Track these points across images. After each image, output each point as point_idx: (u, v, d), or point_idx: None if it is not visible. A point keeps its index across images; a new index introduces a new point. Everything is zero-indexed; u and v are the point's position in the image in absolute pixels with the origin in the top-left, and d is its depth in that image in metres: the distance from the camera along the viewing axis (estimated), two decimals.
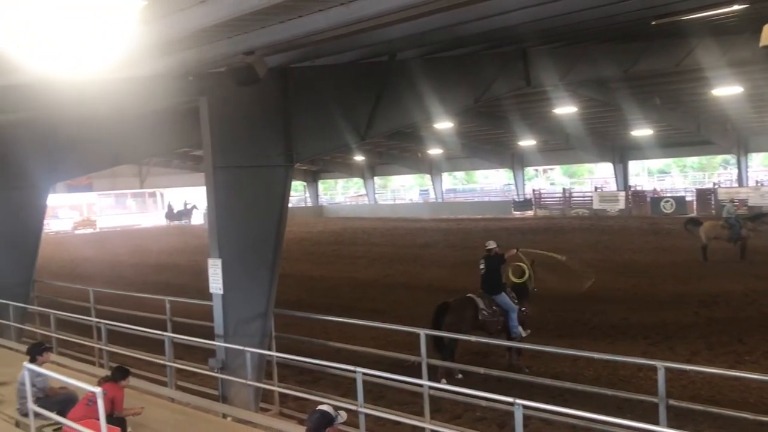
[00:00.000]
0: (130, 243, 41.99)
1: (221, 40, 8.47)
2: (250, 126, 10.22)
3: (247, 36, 8.15)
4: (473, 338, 10.77)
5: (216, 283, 10.09)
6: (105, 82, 8.98)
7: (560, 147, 44.05)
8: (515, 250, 13.01)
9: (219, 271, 9.99)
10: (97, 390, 5.80)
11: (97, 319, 12.68)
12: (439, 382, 10.90)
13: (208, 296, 10.57)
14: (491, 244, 12.89)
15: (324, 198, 67.55)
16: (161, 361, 11.27)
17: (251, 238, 10.28)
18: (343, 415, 5.24)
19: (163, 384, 11.05)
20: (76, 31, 4.65)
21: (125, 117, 14.28)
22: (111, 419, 6.88)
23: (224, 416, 9.56)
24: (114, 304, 14.65)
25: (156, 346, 11.94)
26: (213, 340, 10.47)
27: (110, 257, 35.13)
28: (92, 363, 12.93)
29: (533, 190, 49.81)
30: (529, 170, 53.44)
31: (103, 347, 12.22)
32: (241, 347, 9.80)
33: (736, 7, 12.68)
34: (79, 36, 4.68)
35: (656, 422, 6.91)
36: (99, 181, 50.69)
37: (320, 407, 5.26)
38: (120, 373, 8.19)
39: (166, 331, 11.43)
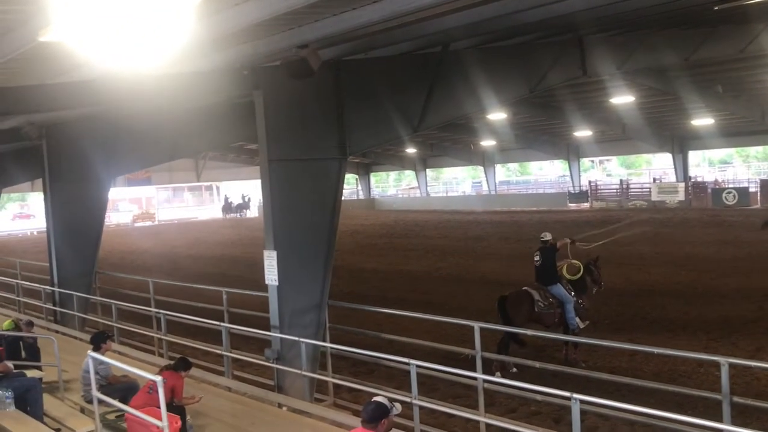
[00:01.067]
0: (187, 235, 42.91)
1: (275, 34, 8.56)
2: (303, 119, 10.29)
3: (301, 29, 8.22)
4: (529, 332, 10.63)
5: (271, 274, 10.21)
6: (162, 77, 9.20)
7: (617, 137, 43.06)
8: (568, 240, 12.87)
9: (274, 262, 10.11)
10: (158, 378, 5.93)
11: (157, 310, 12.99)
12: (493, 375, 10.84)
13: (264, 287, 10.71)
14: (547, 235, 12.76)
15: (376, 190, 67.71)
16: (219, 351, 11.49)
17: (305, 230, 10.37)
18: (398, 407, 5.23)
19: (221, 374, 11.25)
20: (134, 27, 4.75)
21: (182, 111, 14.59)
22: (171, 407, 7.03)
23: (280, 406, 9.69)
24: (172, 295, 14.99)
25: (213, 336, 12.19)
26: (268, 330, 10.60)
27: (168, 249, 35.97)
28: (152, 352, 13.27)
29: (589, 182, 48.84)
30: (585, 161, 52.42)
31: (163, 337, 12.51)
32: (296, 338, 9.90)
33: None
34: (137, 33, 4.78)
35: (719, 420, 6.69)
36: (157, 174, 52.00)
37: (375, 398, 5.26)
38: (183, 364, 8.37)
39: (222, 321, 11.63)
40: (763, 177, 43.80)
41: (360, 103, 10.67)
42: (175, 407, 7.58)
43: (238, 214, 57.32)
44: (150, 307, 13.88)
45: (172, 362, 8.93)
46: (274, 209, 10.13)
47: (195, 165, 56.72)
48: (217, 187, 64.00)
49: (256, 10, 6.88)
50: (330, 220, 10.50)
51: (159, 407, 5.89)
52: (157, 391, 5.89)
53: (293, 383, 10.17)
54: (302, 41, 8.49)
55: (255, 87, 10.13)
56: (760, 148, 50.24)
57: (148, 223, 56.83)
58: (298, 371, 9.87)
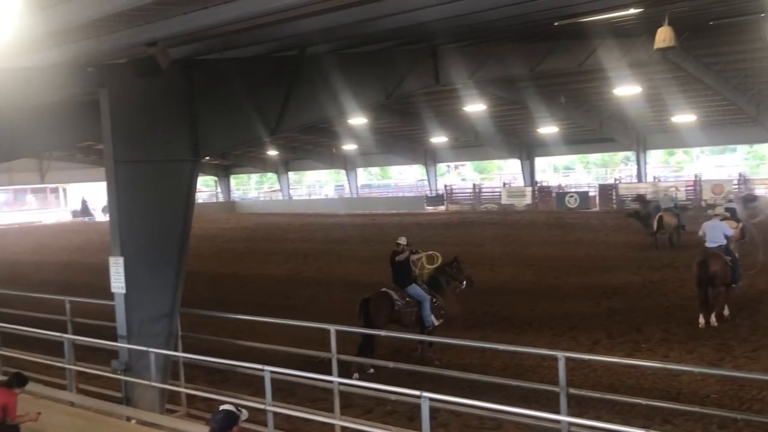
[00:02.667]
0: (29, 240, 40.00)
1: (121, 31, 8.16)
2: (153, 119, 9.88)
3: (149, 26, 7.90)
4: (383, 333, 10.84)
5: (118, 282, 9.73)
6: None
7: (470, 143, 44.97)
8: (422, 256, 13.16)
9: (121, 269, 9.64)
10: None
11: None
12: (351, 377, 10.95)
13: (113, 296, 10.18)
14: (402, 240, 13.12)
15: (237, 193, 66.35)
16: (61, 364, 10.78)
17: (155, 235, 9.95)
18: (245, 413, 5.16)
19: (64, 388, 10.58)
20: None
21: (21, 109, 13.54)
22: (3, 427, 6.53)
23: (128, 419, 9.27)
24: (9, 305, 13.88)
25: (57, 348, 11.42)
26: (116, 341, 10.10)
27: (7, 255, 33.35)
28: None
29: (445, 186, 50.61)
30: (442, 166, 54.27)
31: None
32: (144, 348, 9.49)
33: (632, 11, 13.28)
34: None
35: (559, 411, 7.14)
36: None
37: (223, 407, 5.15)
38: (16, 380, 7.77)
39: (66, 332, 10.93)
40: (602, 182, 47.29)
41: (214, 104, 10.41)
42: (8, 427, 7.03)
43: (86, 218, 54.14)
44: None
45: (4, 378, 8.27)
46: (121, 213, 9.65)
47: (39, 165, 52.96)
48: (64, 189, 60.09)
49: (97, 4, 6.54)
50: (182, 224, 10.14)
51: None
52: None
53: (143, 395, 9.74)
54: (150, 39, 8.15)
55: (100, 85, 9.61)
56: (599, 155, 54.14)
57: None
58: (148, 382, 9.46)
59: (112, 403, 9.90)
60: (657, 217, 23.41)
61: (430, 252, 13.16)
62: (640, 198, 27.74)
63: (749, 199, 28.65)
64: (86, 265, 27.70)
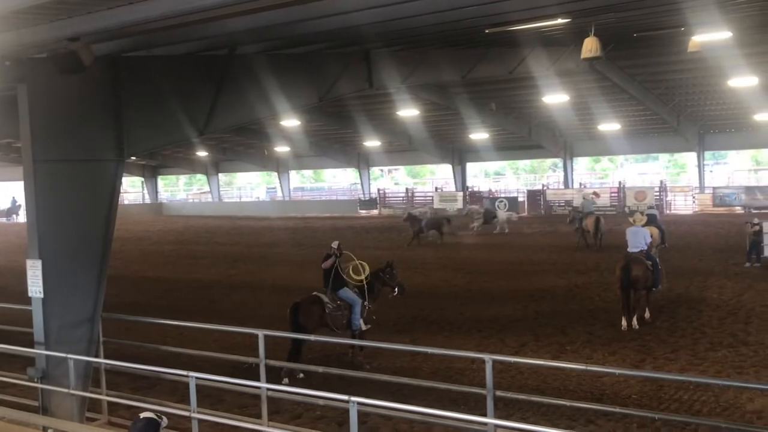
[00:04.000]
0: None
1: (43, 24, 7.84)
2: (75, 117, 9.48)
3: (72, 21, 7.61)
4: (312, 338, 10.72)
5: (35, 285, 9.30)
6: None
7: (404, 148, 45.32)
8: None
9: (39, 272, 9.22)
10: None
11: None
12: (281, 382, 10.81)
13: (29, 300, 9.74)
14: (335, 244, 13.08)
15: (164, 195, 64.81)
16: None
17: (76, 237, 9.56)
18: (165, 420, 5.02)
19: None
20: None
21: None
22: None
23: (44, 429, 8.86)
24: None
25: None
26: (33, 347, 9.66)
27: None
28: None
29: (378, 190, 50.83)
30: (375, 170, 54.54)
31: None
32: (63, 354, 9.10)
33: (560, 21, 13.61)
34: None
35: (485, 413, 7.22)
36: None
37: (143, 414, 4.99)
38: None
39: None
40: (530, 188, 48.40)
41: (141, 102, 10.09)
42: None
43: (8, 218, 51.83)
44: None
45: None
46: (39, 214, 9.22)
47: None
48: None
49: None
50: (105, 225, 9.77)
51: None
52: None
53: (61, 403, 9.33)
54: (73, 33, 7.84)
55: (19, 80, 9.16)
56: (528, 162, 55.42)
57: None
58: (66, 390, 9.08)
59: (27, 412, 9.45)
60: (582, 220, 25.23)
61: (357, 262, 12.99)
62: (410, 216, 29.42)
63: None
64: (3, 267, 26.52)
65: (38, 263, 9.23)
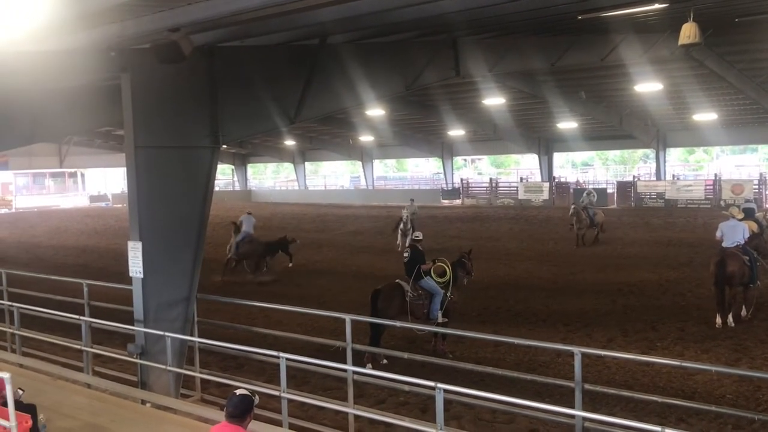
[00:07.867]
0: (48, 224, 40.40)
1: (145, 16, 8.18)
2: (174, 105, 9.90)
3: (173, 12, 7.90)
4: (398, 324, 10.79)
5: (136, 266, 9.78)
6: (19, 54, 8.57)
7: (488, 137, 44.75)
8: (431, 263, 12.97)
9: (139, 254, 9.69)
10: (5, 375, 5.54)
11: (10, 303, 12.12)
12: (364, 367, 10.97)
13: (130, 280, 10.26)
14: (419, 235, 13.15)
15: (253, 182, 66.57)
16: (78, 346, 10.89)
17: (174, 221, 9.99)
18: (257, 398, 5.19)
19: (81, 370, 10.69)
20: None
21: (42, 92, 13.64)
22: (20, 405, 6.59)
23: (143, 402, 9.34)
24: (29, 288, 14.04)
25: (74, 330, 11.54)
26: (133, 325, 10.17)
27: (26, 239, 33.73)
28: (4, 348, 12.38)
29: (461, 180, 50.46)
30: (458, 160, 54.12)
31: (16, 332, 11.71)
32: (161, 332, 9.55)
33: (656, 6, 13.11)
34: None
35: (573, 406, 7.11)
36: (15, 159, 48.48)
37: (238, 391, 5.16)
38: None
39: (83, 315, 11.03)
40: (620, 179, 46.94)
41: (235, 92, 10.41)
42: (26, 405, 7.10)
43: (105, 203, 54.64)
44: (2, 299, 12.93)
45: None
46: (140, 198, 9.69)
47: (58, 150, 53.30)
48: (82, 174, 60.58)
49: None
50: (200, 210, 10.17)
51: (7, 406, 5.52)
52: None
53: (158, 379, 9.81)
54: (174, 24, 8.15)
55: (122, 69, 9.64)
56: (618, 152, 53.76)
57: (4, 211, 52.86)
58: (163, 366, 9.53)
59: (127, 386, 9.98)
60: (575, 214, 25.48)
61: (439, 263, 12.88)
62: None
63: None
64: (104, 249, 27.98)
65: (139, 245, 9.70)
